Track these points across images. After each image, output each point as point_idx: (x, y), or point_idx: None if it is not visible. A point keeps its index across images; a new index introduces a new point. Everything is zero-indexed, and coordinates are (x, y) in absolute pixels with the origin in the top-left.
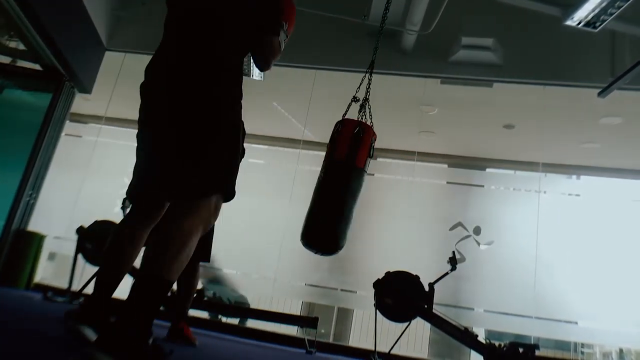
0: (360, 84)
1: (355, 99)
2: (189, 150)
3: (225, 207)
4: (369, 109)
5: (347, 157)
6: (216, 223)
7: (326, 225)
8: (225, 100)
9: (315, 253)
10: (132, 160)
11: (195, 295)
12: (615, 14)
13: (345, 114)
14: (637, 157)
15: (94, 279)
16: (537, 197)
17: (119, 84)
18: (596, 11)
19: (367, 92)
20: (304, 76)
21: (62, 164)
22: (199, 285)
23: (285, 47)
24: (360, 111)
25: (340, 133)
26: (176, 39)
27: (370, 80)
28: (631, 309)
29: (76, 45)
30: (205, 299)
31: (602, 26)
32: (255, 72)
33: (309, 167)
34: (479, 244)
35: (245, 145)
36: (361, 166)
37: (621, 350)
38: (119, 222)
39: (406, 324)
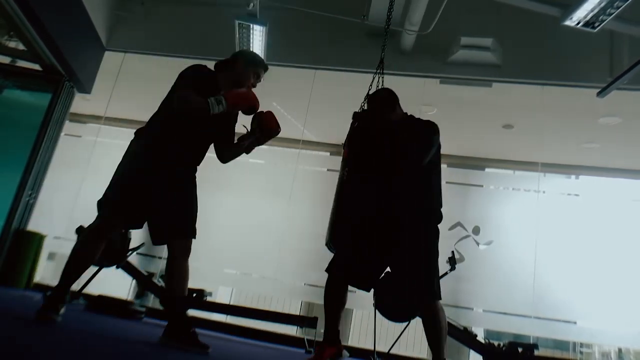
0: (372, 82)
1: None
2: None
3: (224, 207)
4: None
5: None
6: (216, 223)
7: None
8: None
9: None
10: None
11: (195, 295)
12: (614, 14)
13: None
14: (636, 157)
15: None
16: (536, 197)
17: (118, 83)
18: (595, 11)
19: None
20: (304, 76)
21: (61, 164)
22: (199, 286)
23: (286, 47)
24: None
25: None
26: None
27: (382, 78)
28: (630, 309)
29: (76, 45)
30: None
31: (601, 26)
32: None
33: (308, 167)
34: (478, 244)
35: None
36: None
37: (620, 350)
38: None
39: (406, 324)
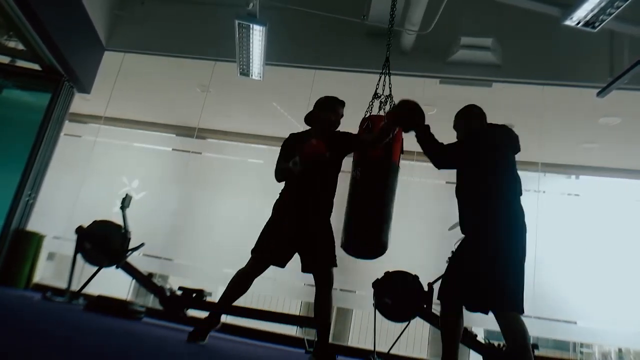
0: (379, 81)
1: (376, 96)
2: None
3: (225, 207)
4: (394, 105)
5: (384, 154)
6: (216, 223)
7: (374, 228)
8: None
9: (358, 257)
10: (131, 159)
11: (195, 295)
12: (614, 14)
13: (369, 112)
14: (636, 157)
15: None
16: (536, 196)
17: (118, 84)
18: (595, 11)
19: (390, 88)
20: (304, 76)
21: (61, 164)
22: (199, 286)
23: (286, 47)
24: (380, 108)
25: (371, 131)
26: None
27: (389, 76)
28: (630, 308)
29: (75, 45)
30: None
31: (601, 26)
32: (255, 72)
33: None
34: None
35: (245, 145)
36: (397, 162)
37: (620, 350)
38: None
39: (405, 323)
